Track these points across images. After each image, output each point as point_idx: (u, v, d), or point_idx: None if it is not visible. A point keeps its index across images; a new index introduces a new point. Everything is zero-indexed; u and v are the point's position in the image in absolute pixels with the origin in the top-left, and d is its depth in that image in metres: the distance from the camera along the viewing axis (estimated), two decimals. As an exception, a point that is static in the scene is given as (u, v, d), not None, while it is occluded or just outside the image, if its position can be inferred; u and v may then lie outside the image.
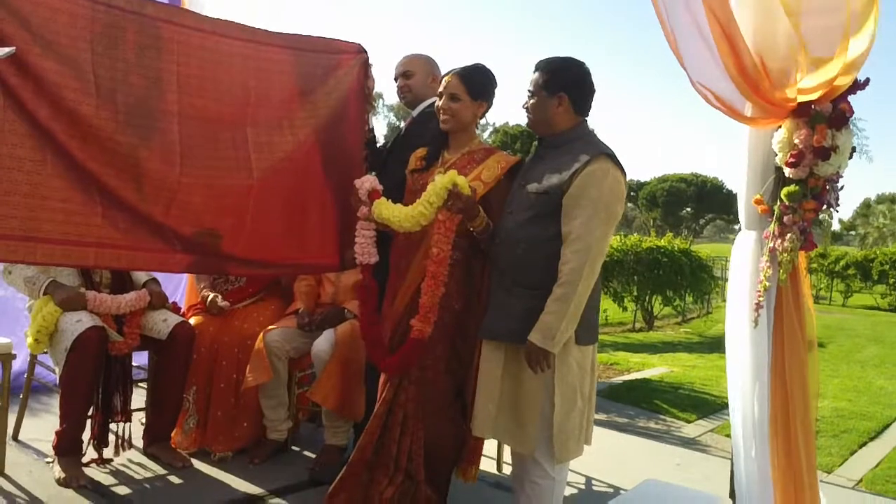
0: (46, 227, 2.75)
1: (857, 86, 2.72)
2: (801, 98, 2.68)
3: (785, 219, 2.73)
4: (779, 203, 2.76)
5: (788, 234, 2.72)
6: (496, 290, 3.00)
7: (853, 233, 61.82)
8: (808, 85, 2.66)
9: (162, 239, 3.05)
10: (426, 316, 3.01)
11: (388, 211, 3.06)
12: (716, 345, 10.10)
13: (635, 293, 13.59)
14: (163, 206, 3.03)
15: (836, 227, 62.49)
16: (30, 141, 2.70)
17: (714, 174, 55.23)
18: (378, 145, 4.03)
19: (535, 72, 2.97)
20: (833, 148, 2.67)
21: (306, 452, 4.12)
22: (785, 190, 2.74)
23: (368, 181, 3.18)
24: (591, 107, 3.01)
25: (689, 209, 55.64)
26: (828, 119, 2.67)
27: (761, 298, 2.76)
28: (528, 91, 2.98)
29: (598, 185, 2.75)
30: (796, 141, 2.69)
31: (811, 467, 2.80)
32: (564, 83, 2.93)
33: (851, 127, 2.76)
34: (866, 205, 60.18)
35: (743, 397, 2.87)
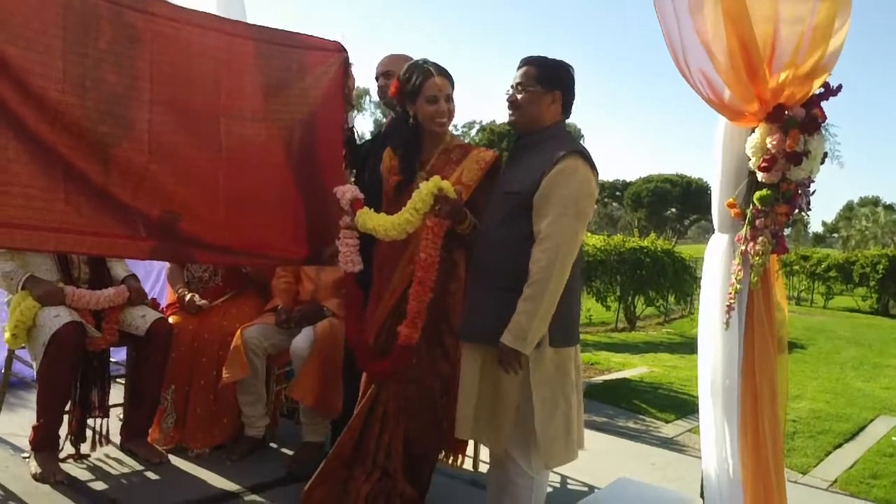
0: (7, 211, 2.77)
1: (829, 91, 2.76)
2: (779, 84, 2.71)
3: (757, 222, 2.77)
4: (751, 207, 2.80)
5: (760, 238, 2.76)
6: (473, 291, 3.01)
7: (836, 235, 62.20)
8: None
9: (126, 224, 3.05)
10: (414, 322, 3.03)
11: (373, 221, 3.05)
12: (697, 345, 10.04)
13: (618, 293, 13.64)
14: (131, 189, 3.04)
15: (818, 229, 63.02)
16: None
17: (699, 175, 55.45)
18: (361, 143, 4.04)
19: (525, 66, 2.95)
20: (805, 153, 2.70)
21: (284, 449, 4.13)
22: (757, 194, 2.77)
23: (350, 191, 3.18)
24: (571, 109, 3.03)
25: (673, 210, 55.79)
26: (800, 124, 2.70)
27: (732, 301, 2.80)
28: (518, 84, 2.94)
29: (566, 183, 2.74)
30: (769, 145, 2.72)
31: (779, 468, 2.84)
32: (560, 81, 2.94)
33: (824, 132, 2.79)
34: (849, 207, 60.58)
35: (713, 398, 2.91)
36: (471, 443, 3.97)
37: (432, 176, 3.01)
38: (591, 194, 2.85)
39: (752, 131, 2.81)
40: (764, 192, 2.75)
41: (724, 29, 2.66)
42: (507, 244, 2.85)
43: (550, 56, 2.99)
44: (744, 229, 2.82)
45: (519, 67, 2.98)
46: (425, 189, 2.91)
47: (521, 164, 2.93)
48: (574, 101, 3.01)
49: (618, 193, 59.51)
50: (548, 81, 2.91)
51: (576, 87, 3.00)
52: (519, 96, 2.94)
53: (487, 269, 2.93)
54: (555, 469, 4.05)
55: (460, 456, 3.49)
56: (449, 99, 3.18)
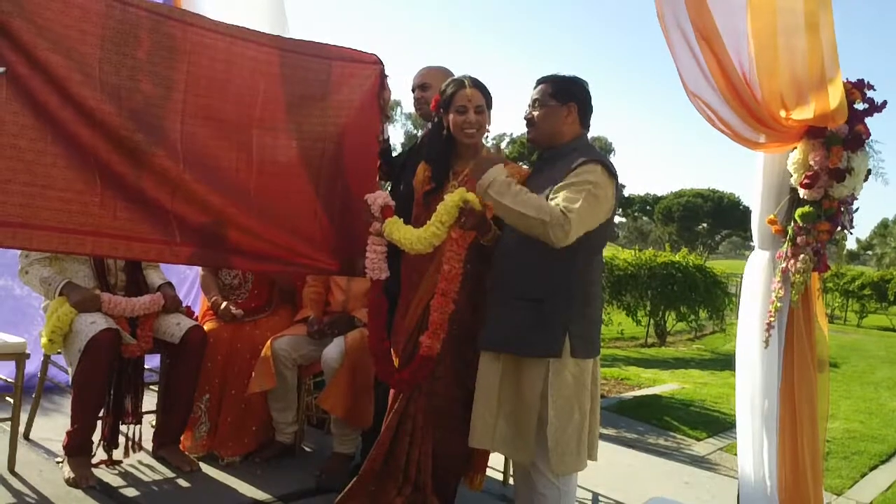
0: (44, 214, 2.81)
1: (873, 108, 2.73)
2: (797, 116, 2.69)
3: (798, 239, 2.73)
4: (792, 224, 2.76)
5: (801, 255, 2.73)
6: (494, 301, 3.00)
7: (870, 253, 61.43)
8: (800, 115, 2.68)
9: (161, 229, 3.09)
10: (435, 332, 3.03)
11: (400, 233, 3.05)
12: (728, 362, 9.95)
13: (649, 308, 13.51)
14: (167, 195, 3.08)
15: (853, 246, 62.25)
16: (31, 132, 2.76)
17: (731, 190, 55.01)
18: (395, 154, 4.04)
19: (540, 84, 3.02)
20: (848, 170, 2.67)
21: (313, 459, 4.13)
22: (799, 211, 2.74)
23: (381, 197, 3.18)
24: (590, 123, 3.06)
25: (705, 225, 55.40)
26: (843, 141, 2.67)
27: (773, 319, 2.76)
28: (534, 101, 3.00)
29: (584, 175, 2.75)
30: (811, 162, 2.69)
31: (818, 488, 2.80)
32: (574, 94, 2.98)
33: (867, 149, 2.76)
34: (884, 225, 59.80)
35: (752, 417, 2.87)
36: (501, 457, 3.95)
37: (464, 186, 3.02)
38: (609, 190, 2.81)
39: (794, 148, 2.78)
40: (806, 208, 2.72)
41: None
42: (527, 255, 2.86)
43: (573, 73, 3.05)
44: (784, 246, 2.79)
45: (534, 87, 3.04)
46: (450, 201, 2.90)
47: (544, 176, 2.96)
48: (592, 115, 3.05)
49: (648, 208, 59.25)
50: (562, 95, 2.96)
51: (592, 101, 3.04)
52: (535, 113, 2.99)
53: (507, 280, 2.94)
54: (587, 486, 4.05)
55: (479, 476, 3.43)
56: (480, 111, 3.18)
